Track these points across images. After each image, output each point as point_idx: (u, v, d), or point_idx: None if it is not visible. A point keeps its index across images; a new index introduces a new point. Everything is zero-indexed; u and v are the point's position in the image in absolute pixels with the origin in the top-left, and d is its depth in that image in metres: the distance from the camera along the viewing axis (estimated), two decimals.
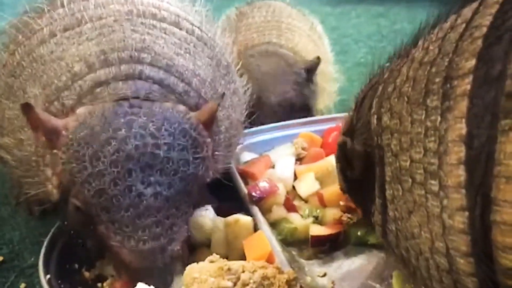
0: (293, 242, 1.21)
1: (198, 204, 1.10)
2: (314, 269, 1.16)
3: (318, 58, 1.66)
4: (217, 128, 1.11)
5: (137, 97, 0.98)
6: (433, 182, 0.72)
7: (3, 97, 1.11)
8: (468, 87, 0.68)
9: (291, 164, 1.37)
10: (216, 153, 1.11)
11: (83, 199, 0.92)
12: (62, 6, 1.13)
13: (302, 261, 1.18)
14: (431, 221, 0.73)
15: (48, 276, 1.02)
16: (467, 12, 0.74)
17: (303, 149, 1.44)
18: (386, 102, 0.83)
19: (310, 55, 1.71)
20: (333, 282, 1.11)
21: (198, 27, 1.22)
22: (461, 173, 0.68)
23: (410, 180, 0.76)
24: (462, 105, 0.68)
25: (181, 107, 1.01)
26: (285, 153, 1.44)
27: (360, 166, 0.93)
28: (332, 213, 1.24)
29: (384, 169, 0.83)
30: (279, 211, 1.25)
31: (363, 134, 0.91)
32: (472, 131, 0.67)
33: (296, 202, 1.28)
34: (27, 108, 0.94)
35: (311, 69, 1.66)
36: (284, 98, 1.59)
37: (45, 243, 1.09)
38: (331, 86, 1.84)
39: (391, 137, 0.80)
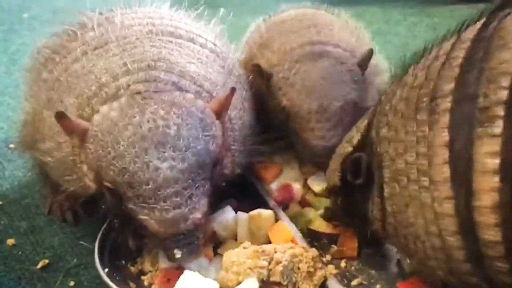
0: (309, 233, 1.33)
1: (218, 190, 1.20)
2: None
3: (371, 50, 1.48)
4: (231, 125, 1.26)
5: (148, 91, 1.12)
6: (424, 178, 0.89)
7: (44, 109, 1.26)
8: (449, 104, 0.86)
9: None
10: (233, 147, 1.26)
11: (111, 179, 1.07)
12: (93, 29, 1.29)
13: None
14: (424, 210, 0.91)
15: (106, 269, 1.16)
16: (447, 45, 0.94)
17: None
18: (384, 117, 1.01)
19: (357, 49, 1.53)
20: (346, 262, 1.26)
21: (212, 42, 1.37)
22: (446, 170, 0.86)
23: (405, 178, 0.93)
24: (445, 118, 0.87)
25: (189, 95, 1.14)
26: None
27: (365, 174, 1.09)
28: None
29: (382, 172, 1.01)
30: (295, 207, 1.40)
31: (368, 148, 1.09)
32: (453, 137, 0.85)
33: (308, 196, 1.43)
34: (60, 115, 1.09)
35: (365, 62, 1.48)
36: (346, 100, 1.39)
37: (96, 244, 1.22)
38: (382, 78, 1.63)
39: (389, 145, 0.98)
